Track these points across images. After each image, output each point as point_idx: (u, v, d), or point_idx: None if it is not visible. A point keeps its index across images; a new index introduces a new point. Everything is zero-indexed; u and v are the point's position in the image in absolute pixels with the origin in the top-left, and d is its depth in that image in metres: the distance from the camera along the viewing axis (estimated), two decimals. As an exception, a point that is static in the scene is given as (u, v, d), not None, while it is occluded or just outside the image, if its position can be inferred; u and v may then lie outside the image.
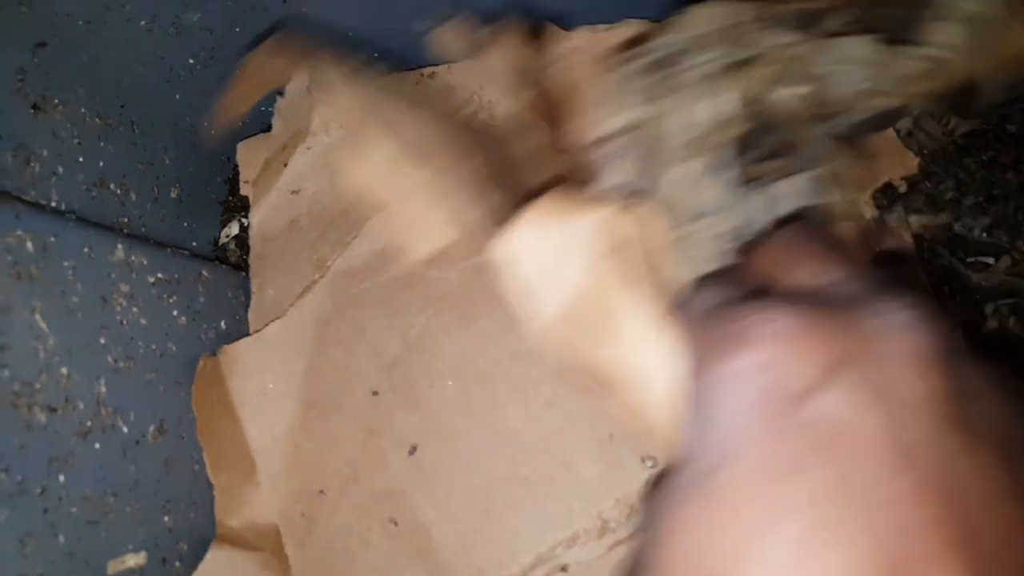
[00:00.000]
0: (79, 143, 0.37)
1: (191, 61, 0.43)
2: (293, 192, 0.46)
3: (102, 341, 0.35)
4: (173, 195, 0.44)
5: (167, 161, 0.44)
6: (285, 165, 0.46)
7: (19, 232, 0.31)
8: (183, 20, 0.41)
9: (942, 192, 0.48)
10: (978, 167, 0.49)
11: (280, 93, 0.47)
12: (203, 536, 0.39)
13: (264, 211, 0.46)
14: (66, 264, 0.33)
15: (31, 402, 0.30)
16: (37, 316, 0.31)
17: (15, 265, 0.31)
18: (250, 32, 0.43)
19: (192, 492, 0.39)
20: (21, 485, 0.29)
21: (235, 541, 0.40)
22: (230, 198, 0.49)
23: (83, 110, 0.38)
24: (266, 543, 0.40)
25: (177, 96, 0.43)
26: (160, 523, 0.37)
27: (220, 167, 0.49)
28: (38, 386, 0.31)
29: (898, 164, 0.48)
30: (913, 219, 0.48)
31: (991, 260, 0.48)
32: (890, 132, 0.47)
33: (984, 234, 0.47)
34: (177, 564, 0.37)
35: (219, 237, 0.47)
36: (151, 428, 0.37)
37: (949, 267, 0.47)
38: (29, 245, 0.31)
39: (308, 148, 0.46)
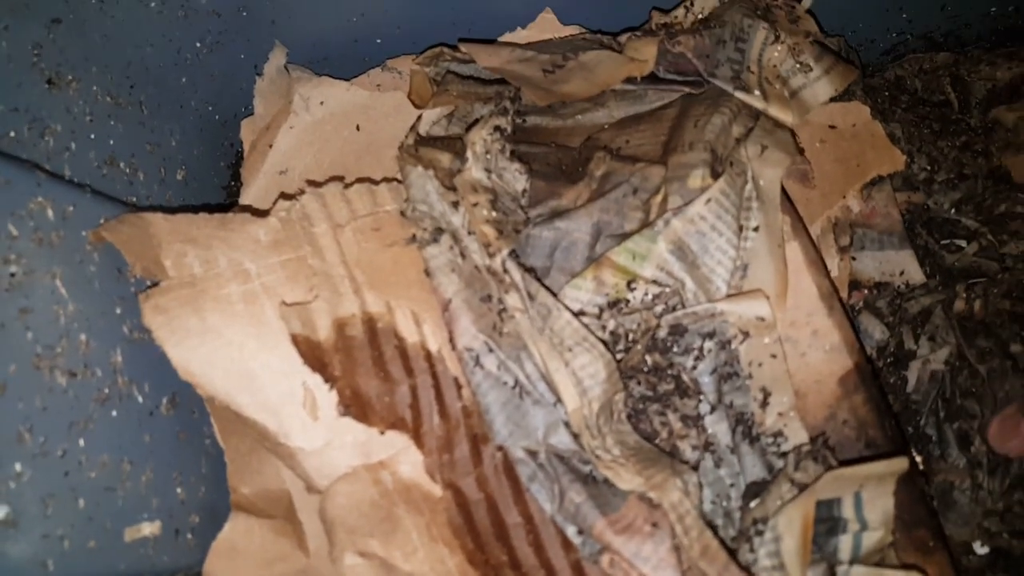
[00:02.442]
0: (91, 120, 0.38)
1: (198, 44, 0.43)
2: (280, 173, 0.46)
3: (118, 311, 0.35)
4: (179, 177, 0.44)
5: (173, 143, 0.44)
6: (270, 147, 0.47)
7: (40, 199, 0.31)
8: (192, 3, 0.41)
9: (916, 172, 0.50)
10: (951, 149, 0.52)
11: (259, 74, 0.48)
12: (214, 509, 0.39)
13: (253, 194, 0.46)
14: (84, 234, 0.34)
15: (52, 365, 0.30)
16: (58, 282, 0.31)
17: (36, 231, 0.31)
18: (256, 17, 0.44)
19: (203, 465, 0.39)
20: (43, 446, 0.29)
21: (249, 508, 0.40)
22: (232, 183, 0.49)
23: (95, 88, 0.38)
24: (278, 509, 0.40)
25: (184, 79, 0.44)
26: (173, 494, 0.37)
27: (223, 152, 0.49)
28: (59, 350, 0.31)
29: (886, 160, 0.50)
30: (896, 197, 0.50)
31: (963, 243, 0.50)
32: (878, 129, 0.49)
33: (953, 209, 0.49)
34: (188, 536, 0.37)
35: (222, 220, 0.48)
36: (164, 400, 0.37)
37: (926, 247, 0.49)
38: (50, 212, 0.32)
39: (291, 128, 0.47)
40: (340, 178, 0.42)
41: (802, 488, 0.34)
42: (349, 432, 0.34)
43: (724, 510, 0.36)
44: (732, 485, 0.37)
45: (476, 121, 0.40)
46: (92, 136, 0.38)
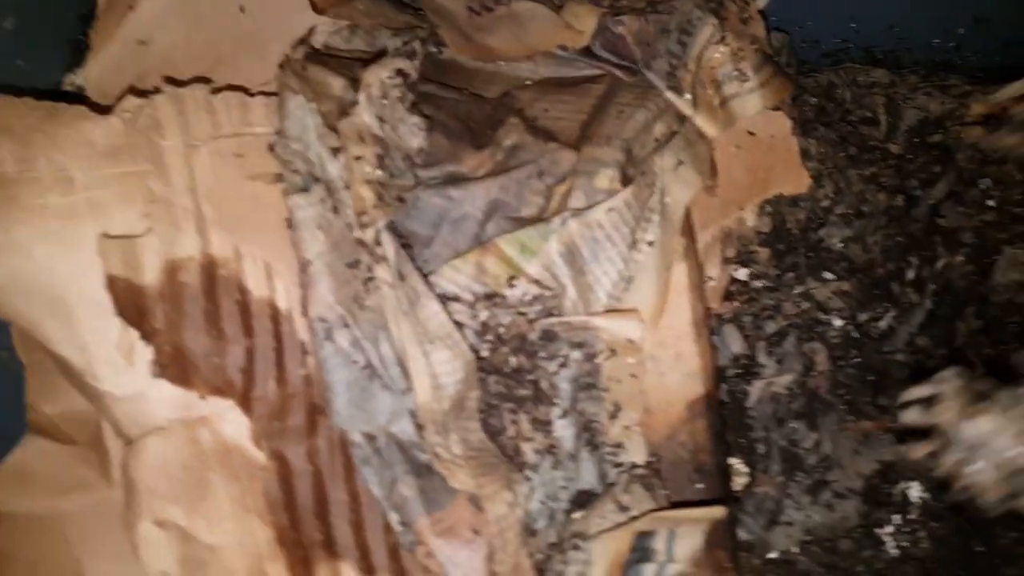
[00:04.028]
0: None
1: None
2: (140, 43, 0.38)
3: None
4: (6, 25, 0.36)
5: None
6: (131, 7, 0.38)
7: None
8: None
9: (820, 198, 0.50)
10: (859, 179, 0.51)
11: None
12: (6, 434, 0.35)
13: (102, 64, 0.38)
14: None
15: None
16: None
17: None
18: None
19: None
20: None
21: (50, 431, 0.36)
22: (82, 39, 0.40)
23: None
24: (83, 434, 0.36)
25: None
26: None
27: (72, -2, 0.40)
28: None
29: (792, 180, 0.49)
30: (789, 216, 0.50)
31: (832, 276, 0.51)
32: (793, 145, 0.47)
33: (841, 244, 0.50)
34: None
35: (62, 83, 0.40)
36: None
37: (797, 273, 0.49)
38: None
39: None
40: (207, 80, 0.35)
41: (624, 510, 0.35)
42: (169, 388, 0.31)
43: (550, 511, 0.36)
44: (564, 488, 0.37)
45: (378, 54, 0.34)
46: None
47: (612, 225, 0.35)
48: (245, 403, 0.32)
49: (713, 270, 0.47)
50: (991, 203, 0.55)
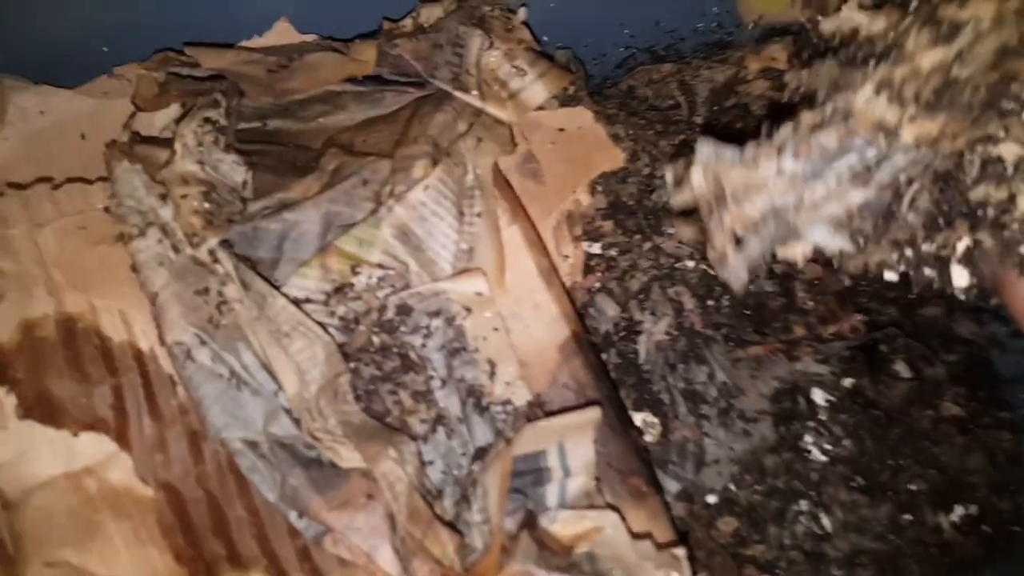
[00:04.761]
0: None
1: None
2: None
3: None
4: None
5: None
6: None
7: None
8: None
9: (640, 168, 0.56)
10: (670, 147, 0.57)
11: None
12: None
13: None
14: None
15: None
16: None
17: None
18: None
19: None
20: None
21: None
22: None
23: None
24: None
25: None
26: None
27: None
28: None
29: (608, 159, 0.54)
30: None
31: (674, 229, 0.55)
32: (600, 131, 0.54)
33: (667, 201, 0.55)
34: None
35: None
36: None
37: (642, 232, 0.54)
38: None
39: (6, 139, 0.42)
40: (49, 179, 0.39)
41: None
42: (43, 439, 0.32)
43: (455, 479, 0.37)
44: (463, 454, 0.38)
45: (187, 113, 0.39)
46: None
47: (434, 201, 0.39)
48: (122, 440, 0.34)
49: (567, 249, 0.51)
50: (795, 139, 0.62)
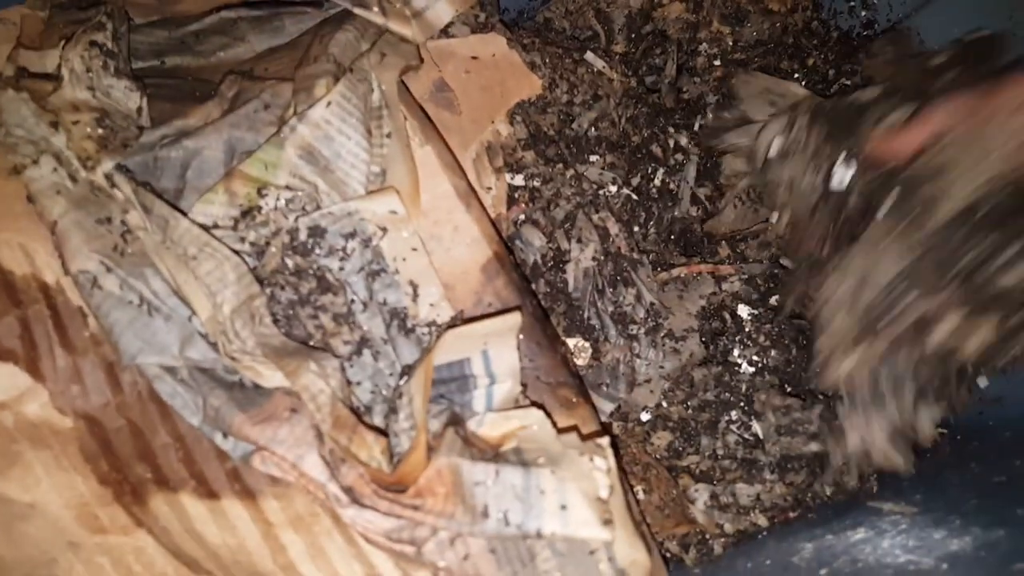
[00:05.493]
0: None
1: None
2: None
3: None
4: None
5: None
6: None
7: None
8: None
9: (558, 96, 0.59)
10: (588, 74, 0.61)
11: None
12: None
13: None
14: None
15: None
16: None
17: None
18: None
19: None
20: None
21: None
22: None
23: None
24: None
25: None
26: None
27: None
28: None
29: (525, 86, 0.57)
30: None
31: (595, 158, 0.59)
32: (515, 57, 0.57)
33: (592, 128, 0.58)
34: None
35: None
36: None
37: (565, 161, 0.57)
38: None
39: None
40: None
41: (435, 354, 0.39)
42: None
43: (384, 398, 0.40)
44: (391, 374, 0.41)
45: (70, 40, 0.40)
46: None
47: (339, 119, 0.41)
48: (35, 372, 0.35)
49: (489, 180, 0.54)
50: (716, 62, 0.66)
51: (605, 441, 0.38)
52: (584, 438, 0.38)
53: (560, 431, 0.38)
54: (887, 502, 0.41)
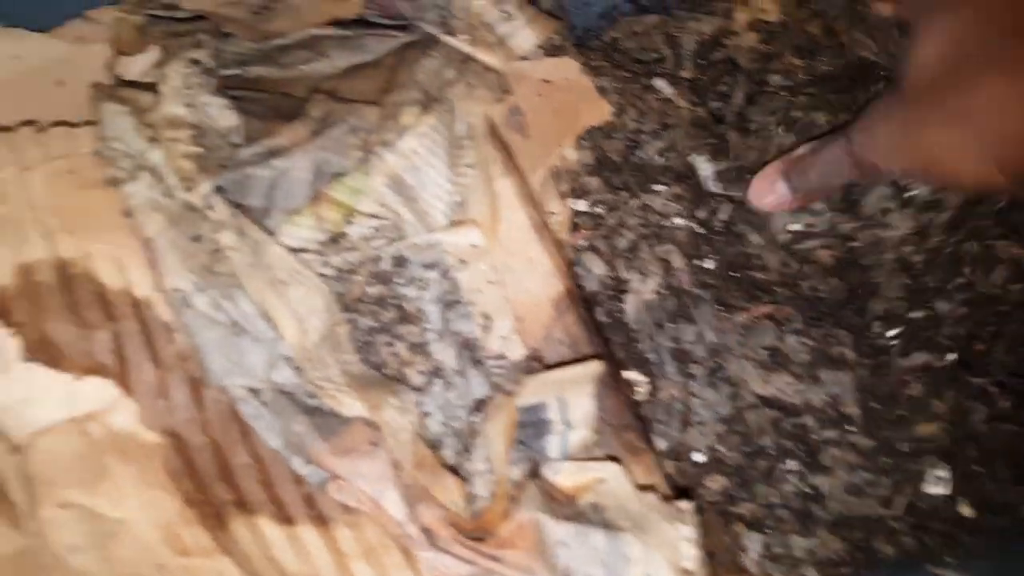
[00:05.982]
0: None
1: None
2: None
3: None
4: None
5: None
6: None
7: None
8: None
9: (627, 123, 0.60)
10: (656, 102, 0.62)
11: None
12: None
13: None
14: None
15: None
16: None
17: None
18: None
19: None
20: None
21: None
22: None
23: None
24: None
25: None
26: None
27: None
28: None
29: (596, 112, 0.59)
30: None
31: (661, 186, 0.61)
32: (587, 82, 0.58)
33: (660, 157, 0.60)
34: None
35: None
36: None
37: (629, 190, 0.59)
38: None
39: None
40: (33, 122, 0.42)
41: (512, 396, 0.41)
42: (46, 384, 0.35)
43: (454, 431, 0.42)
44: (461, 406, 0.43)
45: (170, 57, 0.42)
46: None
47: (427, 150, 0.43)
48: (124, 384, 0.37)
49: (554, 206, 0.56)
50: (784, 93, 0.68)
51: (688, 506, 0.40)
52: (664, 499, 0.40)
53: (638, 487, 0.40)
54: (949, 569, 0.43)
